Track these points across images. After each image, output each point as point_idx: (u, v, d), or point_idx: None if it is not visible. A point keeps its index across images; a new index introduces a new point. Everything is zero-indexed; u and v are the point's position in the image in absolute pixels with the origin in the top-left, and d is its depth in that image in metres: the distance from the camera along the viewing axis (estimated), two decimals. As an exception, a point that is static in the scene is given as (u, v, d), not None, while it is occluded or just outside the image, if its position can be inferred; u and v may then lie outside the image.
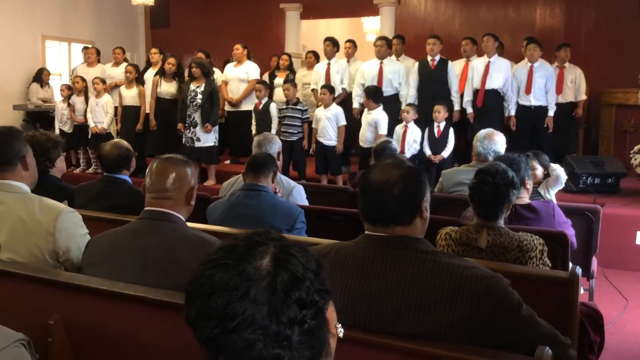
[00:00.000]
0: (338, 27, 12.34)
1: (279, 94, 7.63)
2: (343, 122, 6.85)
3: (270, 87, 7.84)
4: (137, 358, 1.86)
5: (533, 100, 6.82)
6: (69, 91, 8.39)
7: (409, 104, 6.69)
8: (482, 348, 1.54)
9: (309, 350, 0.94)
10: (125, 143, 3.58)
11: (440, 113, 6.42)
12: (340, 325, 1.04)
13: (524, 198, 3.16)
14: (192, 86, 7.03)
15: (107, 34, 11.02)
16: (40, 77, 9.55)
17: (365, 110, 6.73)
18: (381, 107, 6.62)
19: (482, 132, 4.06)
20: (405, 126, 6.52)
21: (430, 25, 9.61)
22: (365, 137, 6.62)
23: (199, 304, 0.94)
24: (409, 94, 7.06)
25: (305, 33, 11.02)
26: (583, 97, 7.34)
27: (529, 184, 3.20)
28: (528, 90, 6.81)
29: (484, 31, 7.40)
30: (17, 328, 1.50)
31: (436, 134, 6.50)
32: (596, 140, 7.75)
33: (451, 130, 6.52)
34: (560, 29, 8.70)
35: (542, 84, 6.80)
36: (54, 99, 9.42)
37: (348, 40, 8.14)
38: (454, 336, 1.57)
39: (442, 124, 6.48)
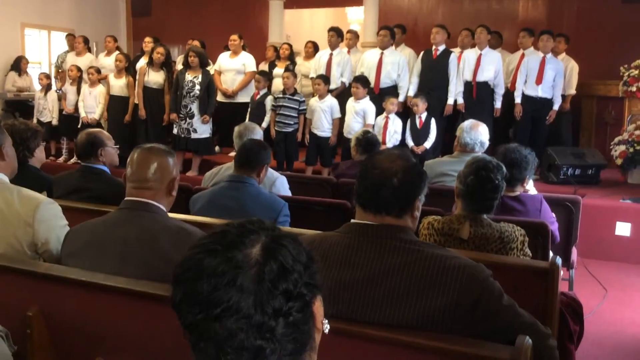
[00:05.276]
0: (322, 17, 12.28)
1: (277, 84, 7.49)
2: (338, 114, 6.77)
3: (270, 78, 7.70)
4: (117, 349, 1.84)
5: (540, 92, 6.73)
6: (47, 80, 8.25)
7: (391, 97, 6.62)
8: (463, 337, 1.55)
9: (292, 344, 0.93)
10: (99, 132, 3.49)
11: (418, 106, 6.43)
12: (327, 321, 1.03)
13: (516, 191, 3.15)
14: (189, 76, 6.90)
15: (88, 22, 10.86)
16: (19, 65, 9.38)
17: (351, 100, 6.66)
18: (368, 97, 6.60)
19: (467, 123, 3.99)
20: (387, 117, 6.51)
21: (414, 16, 9.60)
22: (352, 127, 6.47)
23: (185, 288, 0.93)
24: (411, 82, 7.01)
25: (288, 23, 10.94)
26: (572, 91, 7.24)
27: (527, 183, 3.20)
28: (539, 81, 6.69)
29: (467, 22, 7.38)
30: (-5, 320, 1.48)
31: (418, 125, 6.51)
32: (577, 131, 7.80)
33: (433, 121, 6.52)
34: (543, 20, 8.71)
35: (552, 77, 6.71)
36: (32, 88, 9.27)
37: (349, 31, 7.99)
38: (435, 325, 1.58)
39: (424, 115, 6.49)
